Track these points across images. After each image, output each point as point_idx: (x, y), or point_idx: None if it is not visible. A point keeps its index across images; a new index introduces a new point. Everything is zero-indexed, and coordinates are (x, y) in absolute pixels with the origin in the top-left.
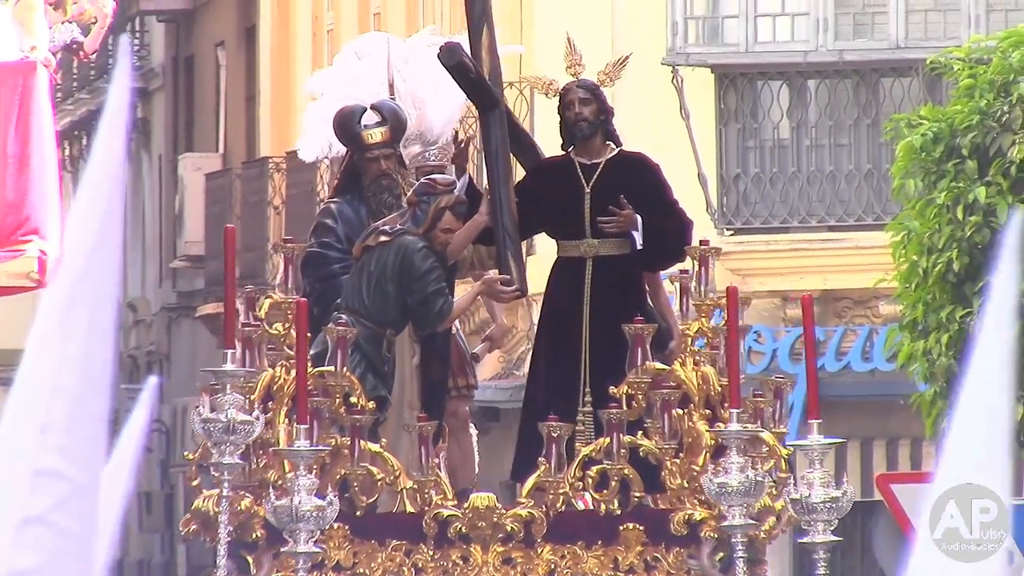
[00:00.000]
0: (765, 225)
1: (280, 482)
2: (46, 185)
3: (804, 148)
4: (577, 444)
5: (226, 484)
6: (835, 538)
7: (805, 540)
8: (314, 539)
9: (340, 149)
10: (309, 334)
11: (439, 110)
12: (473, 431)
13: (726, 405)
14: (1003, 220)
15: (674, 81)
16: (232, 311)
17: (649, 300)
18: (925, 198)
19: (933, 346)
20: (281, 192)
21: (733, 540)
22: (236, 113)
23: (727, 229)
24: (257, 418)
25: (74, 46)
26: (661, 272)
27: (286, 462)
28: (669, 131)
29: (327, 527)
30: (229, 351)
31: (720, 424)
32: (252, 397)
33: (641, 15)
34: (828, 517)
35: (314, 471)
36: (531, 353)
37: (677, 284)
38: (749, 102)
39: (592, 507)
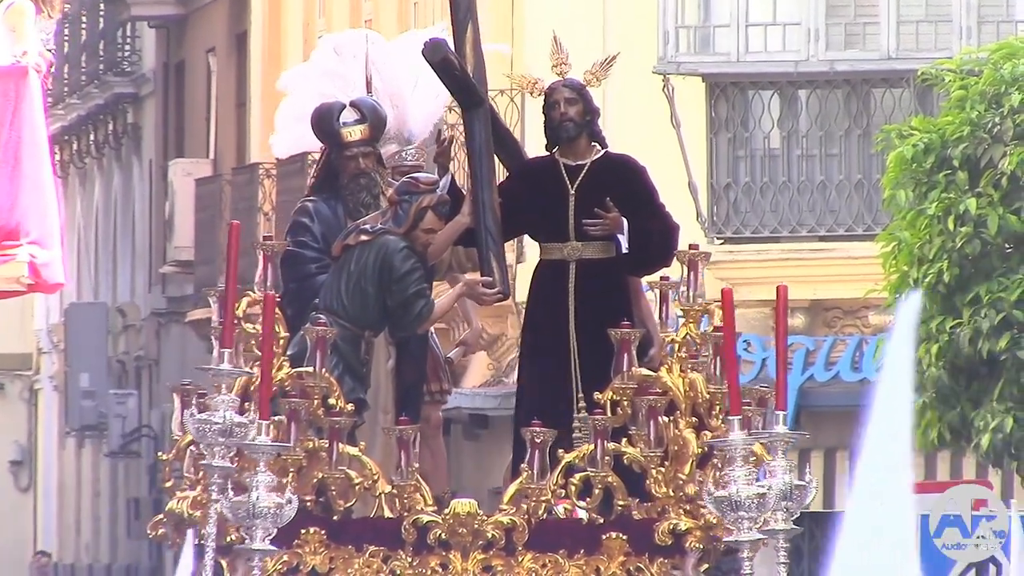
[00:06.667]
0: (755, 235)
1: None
2: (39, 189)
3: (795, 158)
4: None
5: (215, 487)
6: (797, 528)
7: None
8: (270, 536)
9: (312, 146)
10: (287, 334)
11: (417, 109)
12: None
13: (715, 412)
14: (993, 231)
15: (665, 90)
16: (232, 309)
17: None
18: (916, 209)
19: (923, 356)
20: (271, 198)
21: (740, 556)
22: (227, 119)
23: (717, 238)
24: (252, 420)
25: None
26: (643, 280)
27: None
28: (659, 140)
29: (283, 524)
30: (226, 351)
31: (707, 433)
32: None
33: (632, 23)
34: (790, 507)
35: (291, 474)
36: (519, 359)
37: (657, 291)
38: (740, 111)
39: (567, 514)
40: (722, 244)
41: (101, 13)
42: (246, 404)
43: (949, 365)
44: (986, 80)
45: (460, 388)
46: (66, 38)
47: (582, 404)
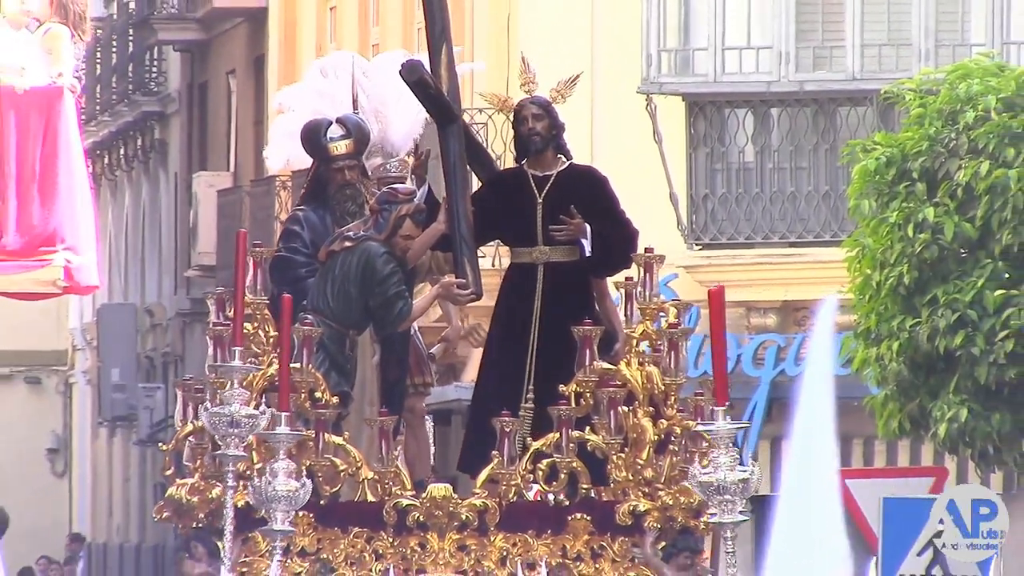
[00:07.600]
0: (731, 241)
1: (248, 472)
2: (73, 200)
3: (767, 171)
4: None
5: (230, 475)
6: (743, 518)
7: (713, 520)
8: (289, 519)
9: (302, 159)
10: (276, 333)
11: (400, 124)
12: (429, 425)
13: (669, 403)
14: (949, 237)
15: (648, 108)
16: (241, 310)
17: (596, 304)
18: (878, 217)
19: (885, 352)
20: (287, 208)
21: (724, 537)
22: (246, 135)
23: (696, 244)
24: (263, 412)
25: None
26: (608, 279)
27: (254, 453)
28: (643, 154)
29: (300, 507)
30: (237, 348)
31: (663, 421)
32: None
33: (618, 47)
34: (738, 497)
35: None
36: (482, 351)
37: (622, 290)
38: (717, 128)
39: (541, 497)
40: (700, 250)
41: (130, 38)
42: None
43: (909, 360)
44: (943, 99)
45: (460, 382)
46: (98, 61)
47: (530, 396)
